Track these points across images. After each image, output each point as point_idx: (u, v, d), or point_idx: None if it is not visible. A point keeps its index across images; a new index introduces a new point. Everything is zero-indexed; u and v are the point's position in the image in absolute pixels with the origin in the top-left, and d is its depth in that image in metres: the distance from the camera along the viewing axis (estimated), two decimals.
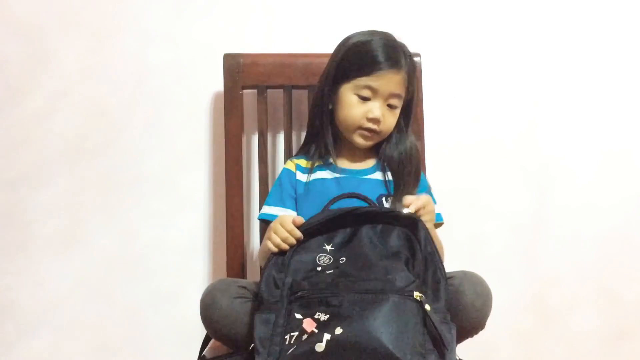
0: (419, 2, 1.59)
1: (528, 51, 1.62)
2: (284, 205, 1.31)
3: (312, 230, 1.15)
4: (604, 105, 1.64)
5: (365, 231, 1.14)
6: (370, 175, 1.33)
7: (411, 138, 1.35)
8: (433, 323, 1.01)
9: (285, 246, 1.13)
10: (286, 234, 1.14)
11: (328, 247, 1.13)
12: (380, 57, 1.27)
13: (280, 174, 1.36)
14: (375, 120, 1.28)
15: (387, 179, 1.31)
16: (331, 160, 1.34)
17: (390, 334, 0.97)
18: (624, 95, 1.64)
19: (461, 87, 1.61)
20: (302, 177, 1.33)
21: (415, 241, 1.11)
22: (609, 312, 1.65)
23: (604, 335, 1.65)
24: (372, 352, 0.95)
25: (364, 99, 1.28)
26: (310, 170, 1.33)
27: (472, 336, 1.14)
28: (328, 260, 1.11)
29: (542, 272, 1.64)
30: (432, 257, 1.10)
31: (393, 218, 1.14)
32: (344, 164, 1.34)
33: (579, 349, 1.65)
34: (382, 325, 0.98)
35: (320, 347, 0.97)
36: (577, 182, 1.64)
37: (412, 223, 1.13)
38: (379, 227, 1.14)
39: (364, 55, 1.28)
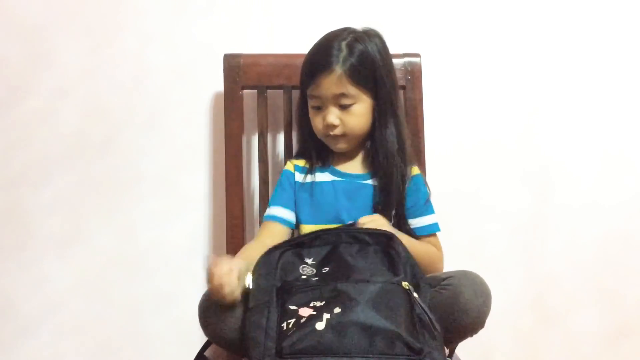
0: (419, 3, 1.59)
1: (528, 52, 1.62)
2: (284, 205, 1.33)
3: (288, 246, 1.15)
4: (604, 106, 1.64)
5: (343, 247, 1.14)
6: (366, 180, 1.32)
7: (389, 135, 1.30)
8: (422, 307, 1.03)
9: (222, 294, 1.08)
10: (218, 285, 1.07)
11: (309, 261, 1.13)
12: (308, 65, 1.29)
13: (281, 175, 1.37)
14: (331, 127, 1.28)
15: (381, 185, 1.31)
16: (330, 162, 1.34)
17: (386, 313, 0.99)
18: (623, 95, 1.64)
19: (461, 88, 1.60)
20: (299, 177, 1.34)
21: (395, 254, 1.11)
22: (609, 312, 1.65)
23: (604, 335, 1.65)
24: (372, 328, 0.97)
25: (317, 108, 1.29)
26: (308, 171, 1.34)
27: (471, 336, 1.14)
28: (311, 272, 1.11)
29: (542, 272, 1.64)
30: (408, 260, 1.11)
31: (368, 235, 1.14)
32: (343, 167, 1.34)
33: (578, 348, 1.65)
34: (376, 307, 0.99)
35: (320, 325, 0.98)
36: (577, 182, 1.64)
37: (388, 239, 1.13)
38: (356, 246, 1.14)
39: (304, 68, 1.31)
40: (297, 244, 1.15)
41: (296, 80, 1.44)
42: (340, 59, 1.25)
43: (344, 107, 1.27)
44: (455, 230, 1.55)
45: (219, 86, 1.47)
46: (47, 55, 1.54)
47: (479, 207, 1.61)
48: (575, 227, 1.63)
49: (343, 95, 1.26)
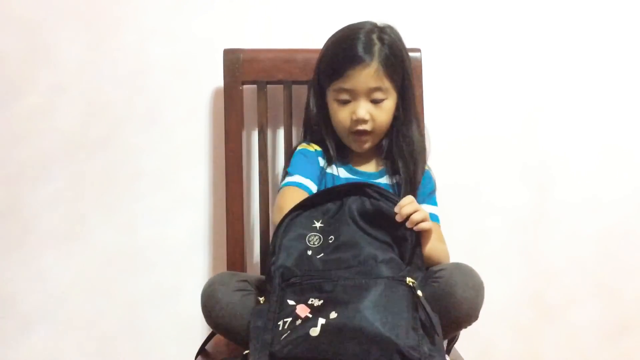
0: None
1: (528, 47, 1.61)
2: (305, 175, 1.28)
3: (305, 204, 1.15)
4: (604, 100, 1.63)
5: (352, 201, 1.13)
6: (379, 179, 1.32)
7: (413, 132, 1.31)
8: (425, 308, 1.02)
9: None
10: None
11: (317, 224, 1.13)
12: (343, 57, 1.25)
13: (301, 150, 1.33)
14: (361, 121, 1.25)
15: (394, 182, 1.30)
16: (348, 160, 1.33)
17: (385, 318, 0.98)
18: (624, 90, 1.64)
19: (462, 83, 1.60)
20: (322, 162, 1.32)
21: (403, 227, 1.11)
22: (609, 308, 1.65)
23: (604, 330, 1.65)
24: (368, 336, 0.96)
25: (345, 102, 1.26)
26: (329, 161, 1.32)
27: (465, 327, 1.14)
28: (318, 241, 1.11)
29: (542, 268, 1.64)
30: (417, 244, 1.11)
31: (382, 196, 1.14)
32: (359, 166, 1.33)
33: (578, 344, 1.65)
34: (376, 310, 0.99)
35: (315, 331, 0.98)
36: (577, 177, 1.63)
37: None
38: (367, 202, 1.13)
39: (331, 61, 1.27)
40: (310, 205, 1.14)
41: (296, 75, 1.45)
42: (376, 52, 1.23)
43: (375, 102, 1.25)
44: (455, 225, 1.54)
45: (219, 81, 1.47)
46: (46, 51, 1.53)
47: (478, 203, 1.61)
48: (575, 222, 1.63)
49: (378, 89, 1.25)
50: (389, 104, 1.27)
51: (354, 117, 1.26)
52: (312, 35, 1.52)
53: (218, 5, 1.55)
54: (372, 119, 1.26)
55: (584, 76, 1.63)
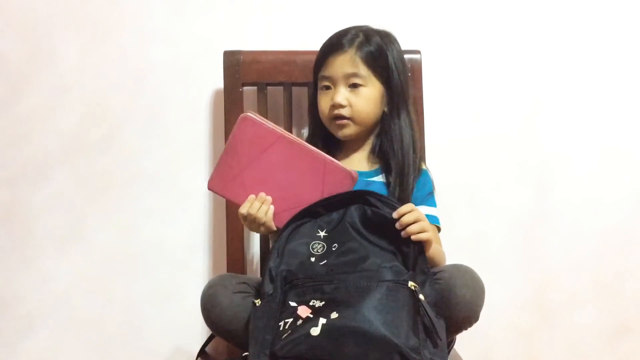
0: None
1: (528, 47, 1.61)
2: None
3: (306, 214, 1.16)
4: (604, 101, 1.64)
5: (354, 209, 1.14)
6: (374, 177, 1.31)
7: (403, 128, 1.30)
8: (427, 312, 1.02)
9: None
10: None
11: (322, 234, 1.14)
12: (324, 48, 1.31)
13: None
14: (338, 105, 1.27)
15: (389, 180, 1.30)
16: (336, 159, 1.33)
17: (386, 319, 0.98)
18: (624, 91, 1.64)
19: (461, 84, 1.60)
20: None
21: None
22: (609, 308, 1.65)
23: (604, 331, 1.65)
24: (368, 336, 0.96)
25: (326, 88, 1.29)
26: None
27: (466, 329, 1.14)
28: (322, 249, 1.12)
29: (542, 268, 1.64)
30: (421, 251, 1.11)
31: (384, 204, 1.14)
32: (350, 165, 1.32)
33: (578, 344, 1.65)
34: (377, 311, 0.99)
35: (315, 331, 0.98)
36: (577, 178, 1.64)
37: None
38: (368, 210, 1.14)
39: (318, 55, 1.32)
40: (315, 214, 1.16)
41: (296, 77, 1.45)
42: (356, 42, 1.27)
43: (353, 87, 1.27)
44: (455, 226, 1.55)
45: (219, 83, 1.47)
46: (47, 53, 1.53)
47: (478, 203, 1.61)
48: (575, 223, 1.63)
49: (354, 75, 1.27)
50: (368, 91, 1.28)
51: (331, 102, 1.28)
52: (312, 37, 1.52)
53: (218, 7, 1.55)
54: (350, 105, 1.28)
55: (583, 76, 1.63)
